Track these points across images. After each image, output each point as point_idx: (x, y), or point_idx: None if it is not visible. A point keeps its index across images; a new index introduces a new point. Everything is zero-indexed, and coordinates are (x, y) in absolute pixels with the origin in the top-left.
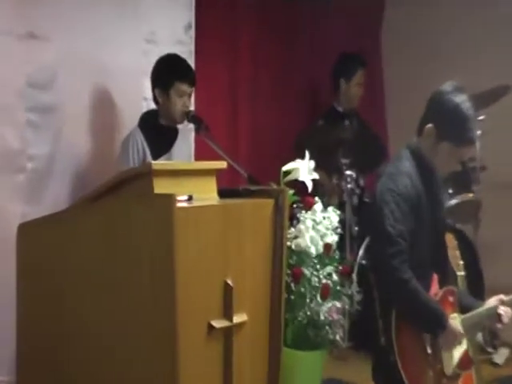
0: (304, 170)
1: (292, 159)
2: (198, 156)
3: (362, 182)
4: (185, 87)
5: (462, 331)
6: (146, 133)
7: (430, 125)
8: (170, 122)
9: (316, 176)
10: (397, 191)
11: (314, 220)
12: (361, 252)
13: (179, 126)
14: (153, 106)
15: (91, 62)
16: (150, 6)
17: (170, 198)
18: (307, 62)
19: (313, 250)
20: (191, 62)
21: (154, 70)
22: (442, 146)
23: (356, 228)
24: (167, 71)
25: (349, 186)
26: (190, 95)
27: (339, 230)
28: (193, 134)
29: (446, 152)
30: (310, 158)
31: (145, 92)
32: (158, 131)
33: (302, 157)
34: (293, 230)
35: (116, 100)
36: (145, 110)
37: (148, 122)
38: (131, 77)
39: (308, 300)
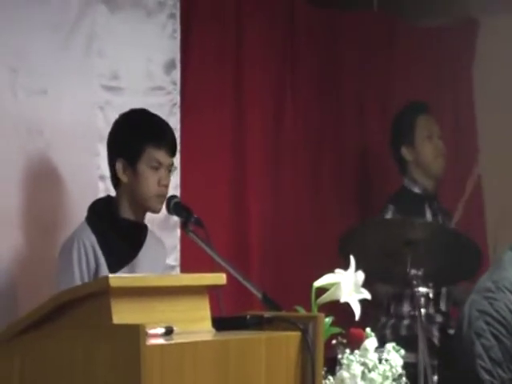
0: (348, 285)
1: (332, 269)
2: (186, 265)
3: (443, 306)
4: (161, 156)
5: None
6: (99, 232)
7: None
8: (137, 211)
9: (367, 295)
10: (495, 316)
11: (364, 364)
12: None
13: (155, 216)
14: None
15: (20, 121)
16: (109, 35)
17: (136, 332)
18: (357, 121)
19: None
20: (175, 119)
21: (113, 133)
22: None
23: (435, 377)
24: (134, 133)
25: (422, 310)
26: (169, 169)
27: (405, 380)
28: (178, 232)
29: None
30: (359, 267)
31: (102, 167)
32: (118, 229)
33: (347, 264)
34: (331, 379)
35: (57, 179)
36: (103, 194)
37: (101, 216)
38: (81, 144)
39: None
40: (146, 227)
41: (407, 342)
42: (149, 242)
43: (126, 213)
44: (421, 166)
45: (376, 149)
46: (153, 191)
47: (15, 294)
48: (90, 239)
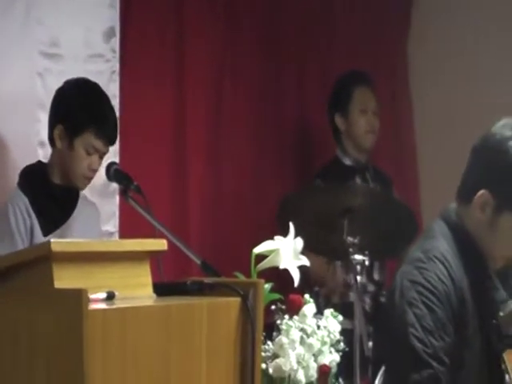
0: (287, 252)
1: (271, 237)
2: (125, 232)
3: (376, 275)
4: (98, 144)
5: None
6: (31, 196)
7: (482, 191)
8: (65, 181)
9: (306, 262)
10: (426, 286)
11: (302, 329)
12: (377, 381)
13: (94, 182)
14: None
15: None
16: (48, 2)
17: (78, 296)
18: (297, 90)
19: (301, 376)
20: (115, 86)
21: (60, 98)
22: (502, 220)
23: (370, 343)
24: (78, 109)
25: (358, 278)
26: (102, 156)
27: (343, 346)
28: (117, 199)
29: (508, 229)
30: (298, 234)
31: (41, 134)
32: (49, 193)
33: (286, 232)
34: (270, 344)
35: None
36: (43, 160)
37: (33, 181)
38: (21, 110)
39: None
40: (77, 192)
41: (340, 309)
42: (80, 206)
43: (57, 178)
44: (351, 138)
45: (317, 120)
46: (81, 172)
47: None
48: (24, 201)
